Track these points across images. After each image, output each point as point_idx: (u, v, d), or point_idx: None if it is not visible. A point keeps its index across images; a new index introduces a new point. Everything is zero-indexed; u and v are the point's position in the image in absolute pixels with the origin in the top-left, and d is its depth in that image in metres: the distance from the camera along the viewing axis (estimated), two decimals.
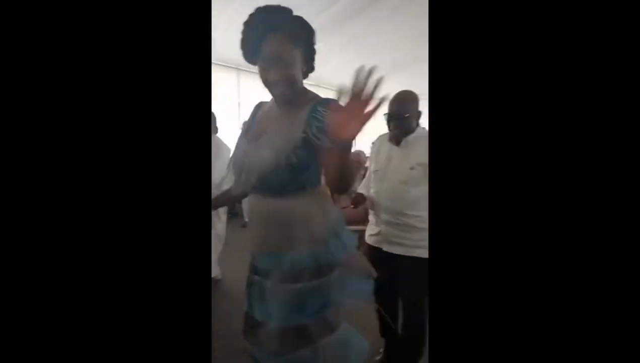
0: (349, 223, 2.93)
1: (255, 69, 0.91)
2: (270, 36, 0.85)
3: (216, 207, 1.18)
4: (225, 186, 1.17)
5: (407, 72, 6.57)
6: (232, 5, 3.34)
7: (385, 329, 1.66)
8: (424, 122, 1.80)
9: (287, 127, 0.90)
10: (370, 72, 0.66)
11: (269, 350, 0.95)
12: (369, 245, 1.60)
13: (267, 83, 0.89)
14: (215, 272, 2.68)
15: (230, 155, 1.10)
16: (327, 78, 5.92)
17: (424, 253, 1.43)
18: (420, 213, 1.43)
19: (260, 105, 1.08)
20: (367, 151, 4.21)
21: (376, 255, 1.54)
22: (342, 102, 0.70)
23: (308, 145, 0.86)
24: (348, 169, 0.81)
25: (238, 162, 0.98)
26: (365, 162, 3.41)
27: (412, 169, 1.42)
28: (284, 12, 0.87)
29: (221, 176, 2.01)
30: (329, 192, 1.00)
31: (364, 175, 3.24)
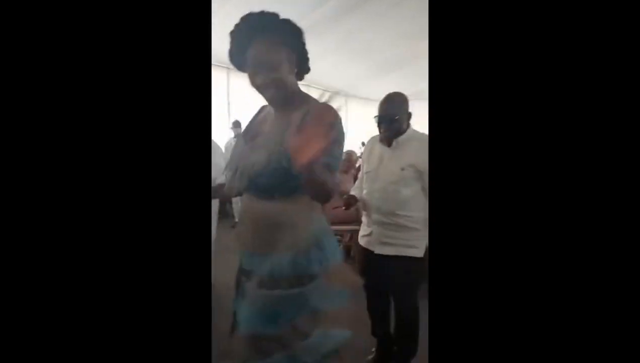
0: (342, 222, 2.95)
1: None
2: (255, 42, 0.87)
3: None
4: (219, 181, 1.17)
5: (404, 70, 6.63)
6: (223, 8, 3.32)
7: (377, 328, 1.67)
8: (423, 122, 1.83)
9: (281, 130, 0.90)
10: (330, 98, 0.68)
11: (237, 357, 0.93)
12: (362, 247, 1.61)
13: (257, 88, 0.90)
14: None
15: (221, 155, 1.10)
16: (323, 76, 5.94)
17: (415, 252, 1.45)
18: (411, 213, 1.45)
19: (263, 108, 1.08)
20: (357, 150, 4.25)
21: (368, 257, 1.56)
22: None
23: None
24: (320, 188, 0.82)
25: (234, 162, 0.99)
26: (356, 162, 3.43)
27: (403, 169, 1.44)
28: (269, 16, 0.88)
29: (213, 175, 2.00)
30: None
31: (355, 176, 3.28)
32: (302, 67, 0.96)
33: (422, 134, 1.50)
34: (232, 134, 4.62)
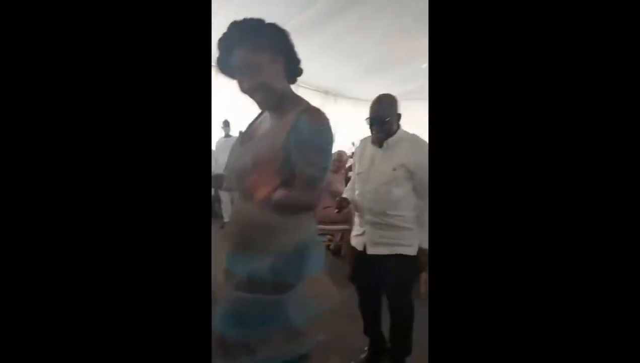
0: (332, 222, 2.95)
1: None
2: (237, 48, 0.89)
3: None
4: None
5: (391, 72, 6.69)
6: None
7: (369, 328, 1.68)
8: (412, 122, 1.85)
9: (272, 133, 0.91)
10: None
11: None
12: (354, 247, 1.63)
13: (245, 93, 0.92)
14: None
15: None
16: (310, 78, 5.93)
17: (407, 250, 1.46)
18: (403, 213, 1.47)
19: (263, 111, 1.08)
20: (347, 150, 4.26)
21: (361, 257, 1.57)
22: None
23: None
24: (292, 208, 0.88)
25: (229, 163, 1.00)
26: (346, 162, 3.44)
27: (394, 170, 1.46)
28: (251, 22, 0.89)
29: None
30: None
31: (345, 177, 3.29)
32: (292, 69, 0.97)
33: (413, 135, 1.53)
34: (222, 133, 4.61)
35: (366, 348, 1.71)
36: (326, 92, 7.72)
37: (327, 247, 3.44)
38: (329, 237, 3.42)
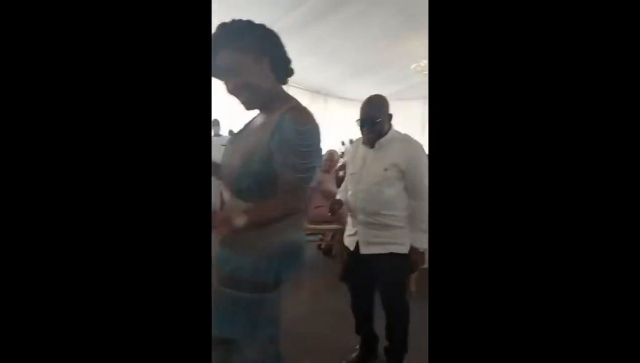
0: (323, 222, 2.94)
1: None
2: (222, 50, 0.90)
3: None
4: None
5: (380, 72, 6.74)
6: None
7: (361, 327, 1.69)
8: (402, 122, 1.86)
9: (259, 132, 0.92)
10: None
11: None
12: (347, 247, 1.63)
13: (231, 93, 0.93)
14: None
15: None
16: (300, 78, 5.92)
17: (399, 249, 1.47)
18: (395, 213, 1.47)
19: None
20: (337, 149, 4.28)
21: (354, 257, 1.58)
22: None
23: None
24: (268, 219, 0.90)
25: (222, 161, 1.01)
26: (337, 161, 3.45)
27: (386, 170, 1.46)
28: (237, 24, 0.91)
29: None
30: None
31: (337, 176, 3.30)
32: (280, 69, 0.97)
33: (404, 135, 1.54)
34: (212, 133, 4.60)
35: (357, 346, 1.72)
36: (316, 92, 7.73)
37: (318, 246, 3.44)
38: (320, 236, 3.43)
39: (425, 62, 6.20)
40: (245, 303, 0.89)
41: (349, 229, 1.62)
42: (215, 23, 0.90)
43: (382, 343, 1.64)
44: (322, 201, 2.95)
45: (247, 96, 0.92)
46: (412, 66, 6.26)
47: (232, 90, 0.92)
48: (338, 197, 1.70)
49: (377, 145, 1.51)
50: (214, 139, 4.41)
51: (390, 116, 1.54)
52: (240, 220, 0.86)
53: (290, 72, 0.99)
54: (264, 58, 0.92)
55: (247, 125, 1.05)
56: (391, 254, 1.46)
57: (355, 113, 1.53)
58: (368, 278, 1.55)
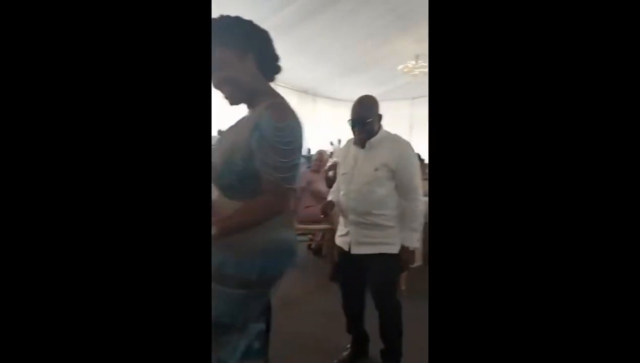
0: (313, 222, 2.94)
1: None
2: None
3: None
4: None
5: (369, 72, 6.77)
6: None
7: (352, 326, 1.70)
8: (392, 122, 1.87)
9: (240, 131, 0.91)
10: None
11: None
12: (338, 247, 1.63)
13: (215, 88, 0.92)
14: None
15: None
16: (288, 77, 5.91)
17: (390, 249, 1.48)
18: (386, 212, 1.49)
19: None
20: (326, 149, 4.28)
21: (345, 257, 1.58)
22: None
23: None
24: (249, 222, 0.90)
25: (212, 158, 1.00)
26: (327, 161, 3.45)
27: (376, 170, 1.47)
28: (223, 20, 0.91)
29: None
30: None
31: (326, 176, 3.30)
32: (267, 66, 0.97)
33: (394, 135, 1.55)
34: None
35: (348, 346, 1.73)
36: (304, 92, 7.72)
37: (308, 246, 3.44)
38: (310, 236, 3.42)
39: (412, 63, 6.26)
40: (229, 298, 0.89)
41: (341, 229, 1.63)
42: None
43: (375, 343, 1.65)
44: (311, 201, 2.95)
45: (230, 91, 0.93)
46: (399, 67, 6.31)
47: (216, 85, 0.92)
48: (330, 197, 1.70)
49: (367, 145, 1.52)
50: None
51: (380, 116, 1.55)
52: (216, 227, 0.86)
53: (277, 69, 0.99)
54: (249, 54, 0.92)
55: (236, 123, 1.04)
56: (382, 254, 1.47)
57: (344, 113, 1.54)
58: (359, 278, 1.56)
